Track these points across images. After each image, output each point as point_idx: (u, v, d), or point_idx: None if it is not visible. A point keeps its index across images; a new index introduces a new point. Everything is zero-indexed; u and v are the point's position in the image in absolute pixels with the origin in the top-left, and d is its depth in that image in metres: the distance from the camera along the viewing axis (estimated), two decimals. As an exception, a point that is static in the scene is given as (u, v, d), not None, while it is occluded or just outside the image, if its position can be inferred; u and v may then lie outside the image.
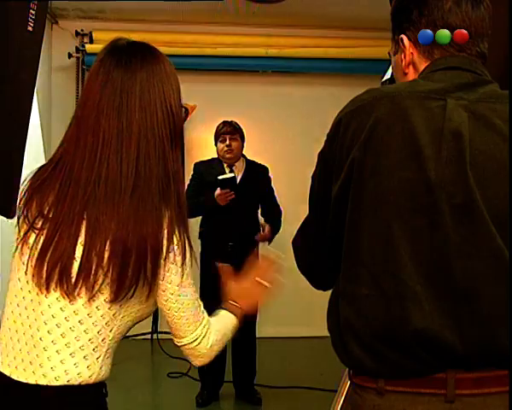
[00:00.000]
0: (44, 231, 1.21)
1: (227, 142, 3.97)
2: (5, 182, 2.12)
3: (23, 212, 1.25)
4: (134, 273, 1.17)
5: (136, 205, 1.18)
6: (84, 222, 1.19)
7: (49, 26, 5.16)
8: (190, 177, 4.12)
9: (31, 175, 1.28)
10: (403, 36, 1.26)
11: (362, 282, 1.16)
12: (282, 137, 5.49)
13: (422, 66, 1.25)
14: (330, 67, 5.43)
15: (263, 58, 5.36)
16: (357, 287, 1.16)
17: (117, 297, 1.19)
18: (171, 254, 1.21)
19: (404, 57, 1.27)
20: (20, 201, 1.26)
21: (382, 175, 1.13)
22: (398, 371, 1.14)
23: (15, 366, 1.22)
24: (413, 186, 1.12)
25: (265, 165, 4.17)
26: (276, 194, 4.17)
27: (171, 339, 1.34)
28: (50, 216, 1.21)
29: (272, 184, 4.17)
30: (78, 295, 1.19)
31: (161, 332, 4.92)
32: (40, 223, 1.22)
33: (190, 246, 1.25)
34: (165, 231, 1.19)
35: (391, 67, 2.14)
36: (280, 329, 5.33)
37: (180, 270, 1.23)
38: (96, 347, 1.22)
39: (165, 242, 1.19)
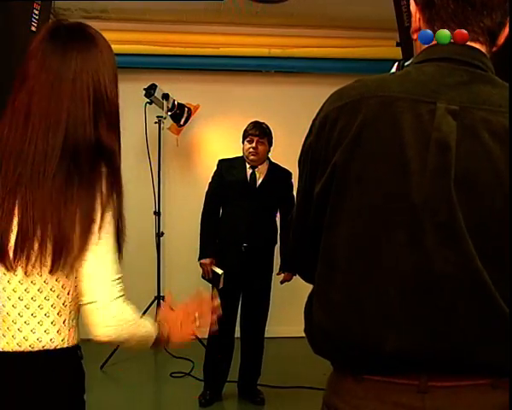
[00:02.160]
0: None
1: (253, 144, 3.94)
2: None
3: None
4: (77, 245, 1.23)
5: (60, 185, 1.23)
6: (17, 201, 1.25)
7: (52, 26, 5.17)
8: (212, 174, 4.09)
9: None
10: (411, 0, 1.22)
11: (336, 287, 1.14)
12: (283, 137, 5.49)
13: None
14: (333, 66, 5.42)
15: (265, 58, 5.36)
16: (330, 291, 1.15)
17: (52, 268, 1.24)
18: (102, 227, 1.24)
19: (411, 23, 1.22)
20: None
21: (366, 185, 1.10)
22: (373, 371, 1.14)
23: None
24: (397, 201, 1.09)
25: (289, 170, 4.07)
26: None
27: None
28: None
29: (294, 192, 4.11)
30: (16, 268, 1.25)
31: (164, 332, 4.88)
32: None
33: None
34: (99, 205, 1.24)
35: (394, 67, 2.14)
36: (282, 329, 5.33)
37: (109, 237, 1.25)
38: (60, 311, 1.28)
39: (98, 214, 1.24)
